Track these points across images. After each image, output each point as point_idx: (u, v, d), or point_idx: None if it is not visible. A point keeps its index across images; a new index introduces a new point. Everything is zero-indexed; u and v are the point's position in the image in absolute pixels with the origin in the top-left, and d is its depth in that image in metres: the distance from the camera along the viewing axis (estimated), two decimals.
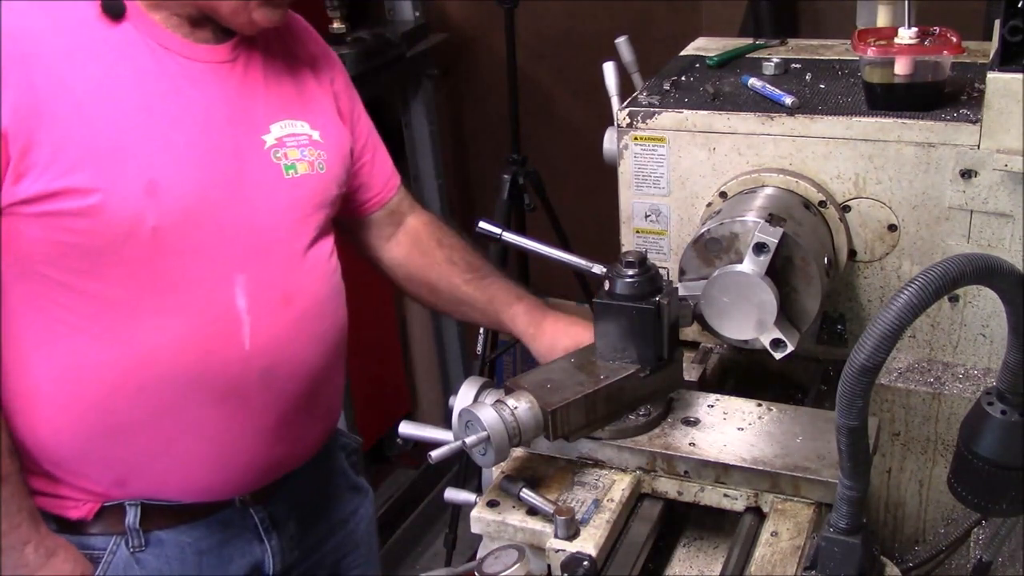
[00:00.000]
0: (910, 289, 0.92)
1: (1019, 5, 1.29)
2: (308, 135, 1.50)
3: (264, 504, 1.58)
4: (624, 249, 1.64)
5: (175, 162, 1.35)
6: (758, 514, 1.25)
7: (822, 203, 1.48)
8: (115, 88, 1.32)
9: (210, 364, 1.40)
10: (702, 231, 1.41)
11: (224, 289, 1.40)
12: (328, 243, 1.55)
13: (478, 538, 1.27)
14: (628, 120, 1.56)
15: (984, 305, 1.46)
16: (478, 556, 1.20)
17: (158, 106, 1.35)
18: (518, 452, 1.32)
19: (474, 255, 1.72)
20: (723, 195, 1.53)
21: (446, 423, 1.31)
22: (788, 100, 1.50)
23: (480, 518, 1.24)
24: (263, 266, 1.43)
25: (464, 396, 1.31)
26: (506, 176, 2.70)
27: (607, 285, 1.30)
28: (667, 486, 1.28)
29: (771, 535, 1.18)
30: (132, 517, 1.47)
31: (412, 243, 1.72)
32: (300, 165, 1.47)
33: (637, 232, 1.63)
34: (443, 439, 1.30)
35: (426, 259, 1.71)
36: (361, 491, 1.82)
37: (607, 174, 1.63)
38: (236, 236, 1.41)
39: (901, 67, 1.43)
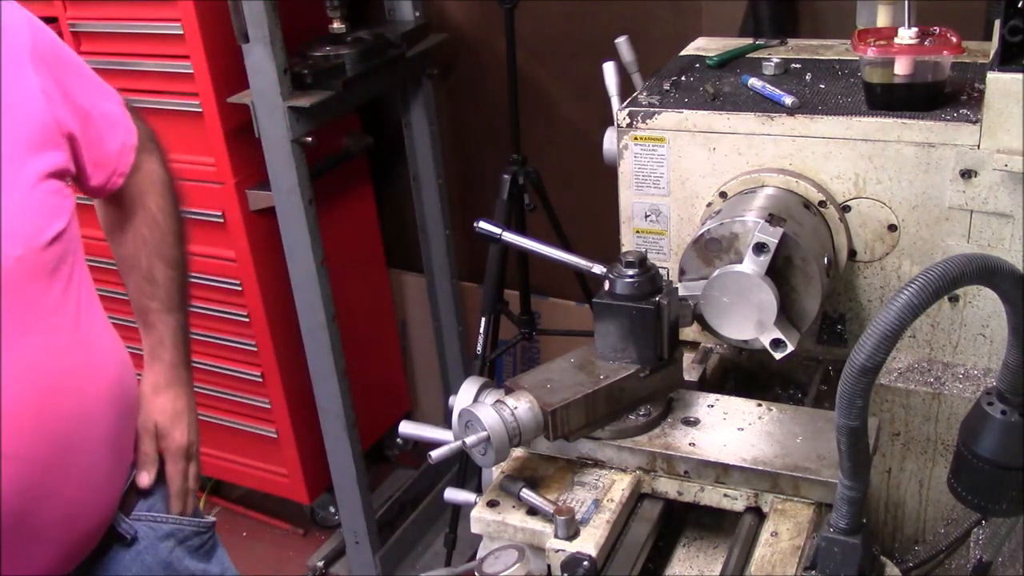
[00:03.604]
0: (910, 289, 0.92)
1: (1019, 5, 1.29)
2: None
3: None
4: (624, 249, 1.64)
5: None
6: (758, 514, 1.25)
7: (822, 203, 1.48)
8: None
9: None
10: (702, 231, 1.41)
11: None
12: (42, 316, 1.27)
13: (478, 538, 1.27)
14: (628, 120, 1.56)
15: (984, 305, 1.46)
16: (478, 556, 1.20)
17: None
18: (518, 452, 1.32)
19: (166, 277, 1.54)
20: (723, 195, 1.53)
21: (446, 423, 1.31)
22: (788, 100, 1.50)
23: (480, 518, 1.24)
24: None
25: (464, 396, 1.30)
26: (506, 176, 2.69)
27: (607, 285, 1.30)
28: (667, 486, 1.28)
29: (771, 535, 1.18)
30: None
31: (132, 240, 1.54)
32: None
33: (637, 232, 1.63)
34: (443, 439, 1.30)
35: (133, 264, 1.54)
36: None
37: (607, 174, 1.63)
38: None
39: (901, 67, 1.43)
